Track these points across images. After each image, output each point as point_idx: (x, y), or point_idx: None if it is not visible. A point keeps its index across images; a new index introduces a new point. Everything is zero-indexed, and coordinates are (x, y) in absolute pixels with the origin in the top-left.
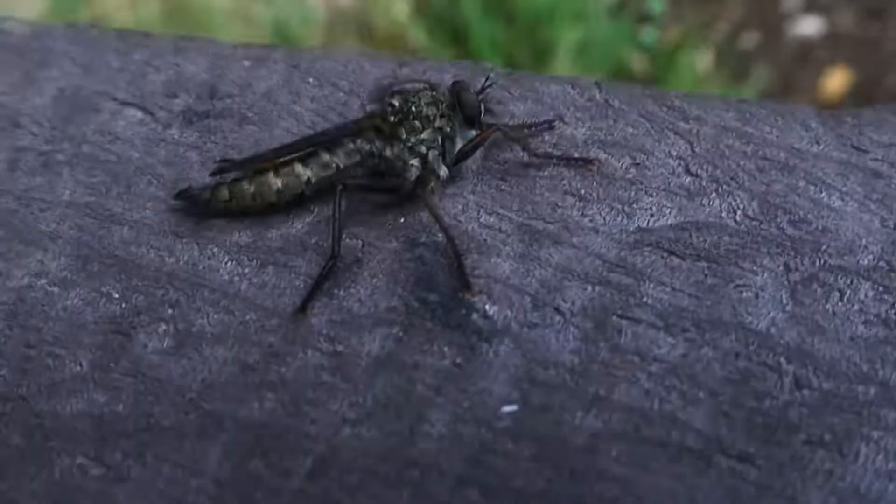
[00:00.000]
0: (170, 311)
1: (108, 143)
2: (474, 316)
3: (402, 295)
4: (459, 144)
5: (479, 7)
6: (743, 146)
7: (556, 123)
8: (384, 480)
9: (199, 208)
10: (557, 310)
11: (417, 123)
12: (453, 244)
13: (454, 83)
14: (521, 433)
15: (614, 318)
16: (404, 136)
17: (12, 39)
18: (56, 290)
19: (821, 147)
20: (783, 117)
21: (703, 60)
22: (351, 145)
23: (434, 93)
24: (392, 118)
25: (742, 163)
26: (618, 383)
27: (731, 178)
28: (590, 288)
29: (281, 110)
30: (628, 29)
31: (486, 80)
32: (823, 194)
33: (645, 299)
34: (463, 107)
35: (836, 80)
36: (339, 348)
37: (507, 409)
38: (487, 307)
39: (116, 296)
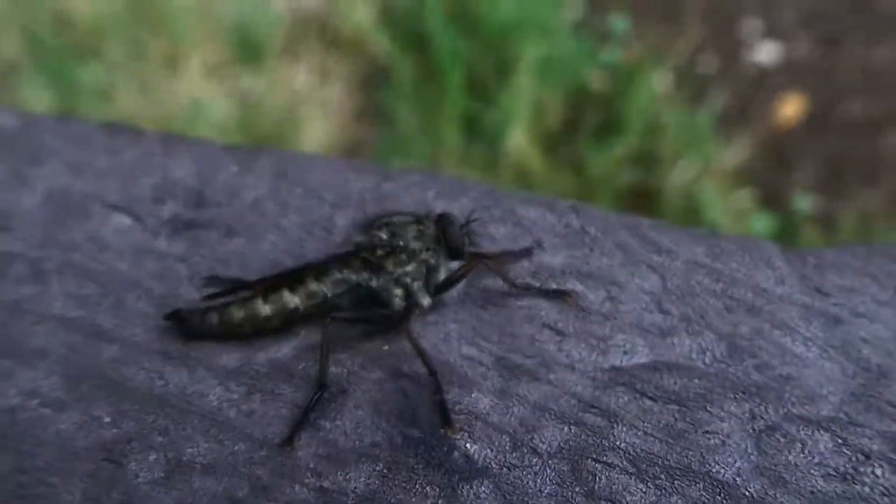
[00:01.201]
0: (160, 438)
1: (98, 251)
2: (455, 454)
3: (386, 429)
4: (443, 275)
5: (442, 17)
6: (712, 283)
7: (535, 250)
8: None
9: (188, 329)
10: (535, 451)
11: (404, 256)
12: (435, 380)
13: (440, 216)
14: None
15: (589, 461)
16: (391, 269)
17: (2, 133)
18: (48, 411)
19: (785, 288)
20: (750, 254)
21: (661, 81)
22: (338, 275)
23: (420, 226)
24: (380, 251)
25: (711, 301)
26: None
27: (701, 317)
28: (566, 428)
29: (267, 223)
30: (590, 47)
31: (471, 213)
32: (787, 339)
33: (618, 443)
34: (448, 241)
35: (790, 106)
36: (325, 484)
37: None
38: (468, 446)
39: (108, 420)
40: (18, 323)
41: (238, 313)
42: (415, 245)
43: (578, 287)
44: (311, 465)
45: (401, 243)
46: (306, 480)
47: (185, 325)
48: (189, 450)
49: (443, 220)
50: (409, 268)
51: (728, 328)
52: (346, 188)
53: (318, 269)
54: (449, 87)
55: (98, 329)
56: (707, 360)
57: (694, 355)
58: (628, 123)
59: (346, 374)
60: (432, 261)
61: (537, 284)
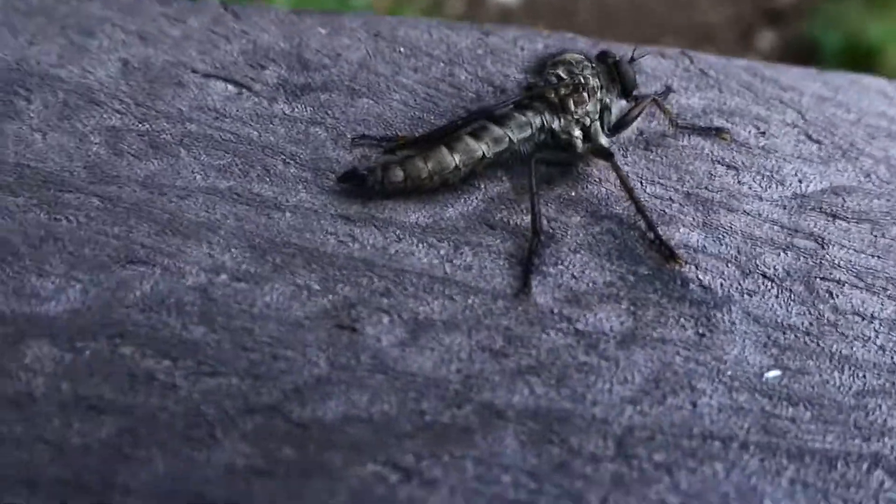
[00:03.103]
0: (385, 300)
1: (215, 120)
2: (692, 286)
3: (614, 269)
4: (615, 115)
5: None
6: (845, 114)
7: (672, 93)
8: (688, 454)
9: (366, 189)
10: (765, 276)
11: (584, 95)
12: (646, 215)
13: (603, 54)
14: (794, 397)
15: (818, 280)
16: (572, 108)
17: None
18: (244, 285)
19: None
20: (860, 86)
21: None
22: (522, 118)
23: (593, 64)
24: (563, 90)
25: (853, 129)
26: (853, 342)
27: (851, 144)
28: (782, 253)
29: (388, 82)
30: None
31: (634, 50)
32: None
33: (836, 261)
34: (623, 78)
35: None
36: (580, 326)
37: (770, 374)
38: (701, 276)
39: (318, 288)
40: (163, 198)
41: (425, 165)
42: (593, 83)
43: (727, 124)
44: (557, 310)
45: (582, 80)
46: (559, 325)
47: (362, 185)
48: (422, 308)
49: (610, 58)
50: (589, 107)
51: (880, 153)
52: (451, 45)
53: (492, 113)
54: None
55: (260, 198)
56: (875, 182)
57: (862, 178)
58: None
59: (547, 220)
60: (607, 99)
61: (700, 123)
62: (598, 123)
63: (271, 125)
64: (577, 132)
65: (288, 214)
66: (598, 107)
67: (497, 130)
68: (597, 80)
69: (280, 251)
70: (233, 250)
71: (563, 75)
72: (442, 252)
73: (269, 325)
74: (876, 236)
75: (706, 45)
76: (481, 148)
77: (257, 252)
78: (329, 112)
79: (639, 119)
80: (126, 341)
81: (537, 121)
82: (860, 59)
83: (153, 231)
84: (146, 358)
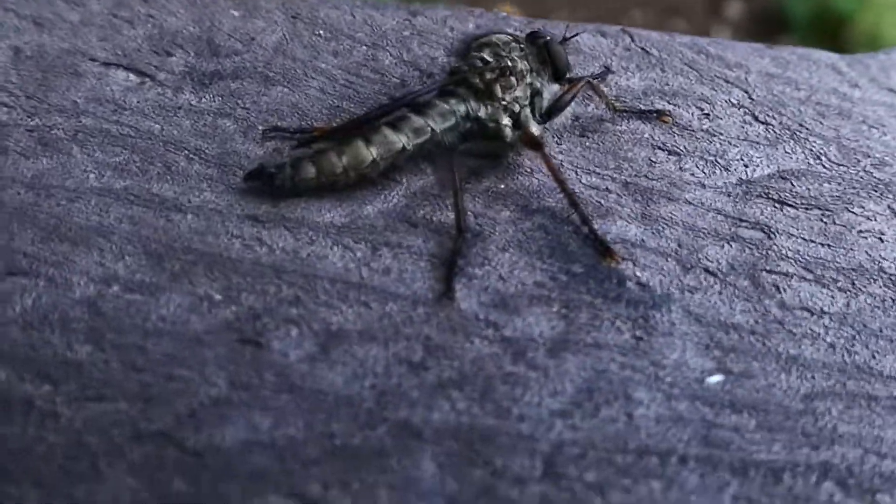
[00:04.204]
0: (293, 310)
1: (113, 113)
2: (629, 285)
3: (544, 268)
4: (546, 100)
5: None
6: (794, 92)
7: (610, 74)
8: (623, 471)
9: (275, 187)
10: (708, 270)
11: (513, 79)
12: (580, 209)
13: (533, 34)
14: (738, 403)
15: (764, 273)
16: (500, 94)
17: None
18: (137, 297)
19: (862, 91)
20: (811, 61)
21: None
22: (445, 106)
23: (522, 45)
24: (489, 74)
25: (802, 108)
26: (801, 341)
27: (800, 125)
28: (726, 245)
29: (304, 68)
30: None
31: (567, 29)
32: (889, 137)
33: (783, 252)
34: (554, 60)
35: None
36: (507, 333)
37: (712, 379)
38: (638, 273)
39: (219, 298)
40: (50, 200)
41: (339, 160)
42: (522, 66)
43: (669, 107)
44: (482, 316)
45: (510, 63)
46: (485, 332)
47: (271, 183)
48: (335, 318)
49: (540, 38)
50: (518, 92)
51: (831, 133)
52: (375, 26)
53: (413, 101)
54: None
55: (159, 199)
56: (826, 165)
57: (811, 161)
58: None
59: (473, 216)
60: (537, 83)
61: (640, 106)
62: (528, 110)
63: (175, 117)
64: (506, 120)
65: (189, 216)
66: (528, 92)
67: (418, 120)
68: (525, 62)
69: (179, 258)
70: (126, 258)
71: (488, 58)
72: (359, 254)
73: (163, 342)
74: (826, 223)
75: (674, 18)
76: (401, 140)
77: (154, 259)
78: (239, 102)
79: (572, 104)
80: (2, 363)
81: (461, 109)
82: (828, 28)
83: (37, 238)
84: (24, 382)
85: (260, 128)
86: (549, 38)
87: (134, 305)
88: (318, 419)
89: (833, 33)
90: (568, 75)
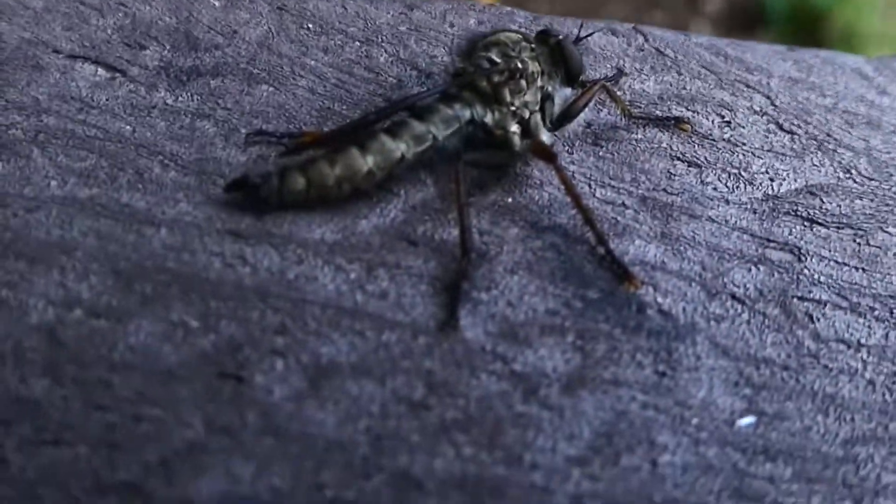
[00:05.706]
0: (279, 339)
1: (79, 112)
2: (649, 312)
3: (556, 294)
4: (557, 105)
5: None
6: (819, 98)
7: (623, 76)
8: None
9: (260, 200)
10: (734, 297)
11: (522, 82)
12: (595, 226)
13: (544, 32)
14: (772, 449)
15: (795, 300)
16: (508, 99)
17: None
18: (103, 323)
19: (891, 98)
20: (835, 65)
21: None
22: (448, 111)
23: (532, 45)
24: (496, 77)
25: (828, 117)
26: (838, 377)
27: (827, 135)
28: (753, 268)
29: (292, 65)
30: None
31: (580, 27)
32: None
33: (815, 276)
34: (567, 62)
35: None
36: (517, 367)
37: (743, 421)
38: (660, 300)
39: (196, 325)
40: (5, 211)
41: (331, 171)
42: (533, 68)
43: (687, 113)
44: (489, 347)
45: (519, 65)
46: (492, 366)
47: (255, 195)
48: (325, 349)
49: (553, 38)
50: (528, 96)
51: (860, 143)
52: (369, 20)
53: (414, 106)
54: None
55: (129, 210)
56: (857, 179)
57: (841, 174)
58: None
59: (478, 234)
60: (548, 87)
61: (657, 112)
62: (538, 116)
63: (149, 118)
64: (514, 127)
65: (163, 231)
66: (539, 96)
67: (419, 126)
68: (537, 64)
69: (151, 278)
70: (91, 278)
71: (496, 59)
72: (352, 276)
73: (132, 377)
74: (859, 244)
75: (653, 11)
76: (400, 148)
77: (122, 280)
78: (220, 102)
79: (586, 109)
80: None
81: (466, 114)
82: (806, 22)
83: None
84: None
85: (243, 131)
86: (561, 37)
87: (98, 333)
88: (306, 467)
89: (811, 28)
90: (581, 78)
